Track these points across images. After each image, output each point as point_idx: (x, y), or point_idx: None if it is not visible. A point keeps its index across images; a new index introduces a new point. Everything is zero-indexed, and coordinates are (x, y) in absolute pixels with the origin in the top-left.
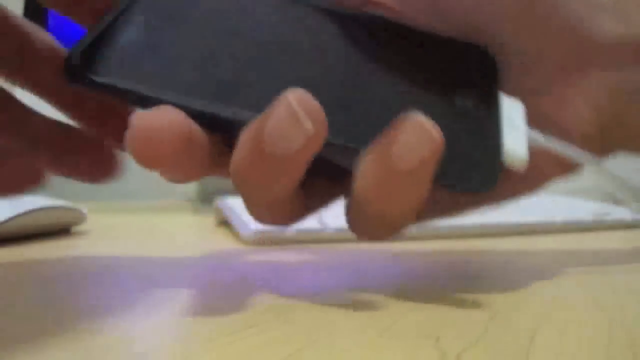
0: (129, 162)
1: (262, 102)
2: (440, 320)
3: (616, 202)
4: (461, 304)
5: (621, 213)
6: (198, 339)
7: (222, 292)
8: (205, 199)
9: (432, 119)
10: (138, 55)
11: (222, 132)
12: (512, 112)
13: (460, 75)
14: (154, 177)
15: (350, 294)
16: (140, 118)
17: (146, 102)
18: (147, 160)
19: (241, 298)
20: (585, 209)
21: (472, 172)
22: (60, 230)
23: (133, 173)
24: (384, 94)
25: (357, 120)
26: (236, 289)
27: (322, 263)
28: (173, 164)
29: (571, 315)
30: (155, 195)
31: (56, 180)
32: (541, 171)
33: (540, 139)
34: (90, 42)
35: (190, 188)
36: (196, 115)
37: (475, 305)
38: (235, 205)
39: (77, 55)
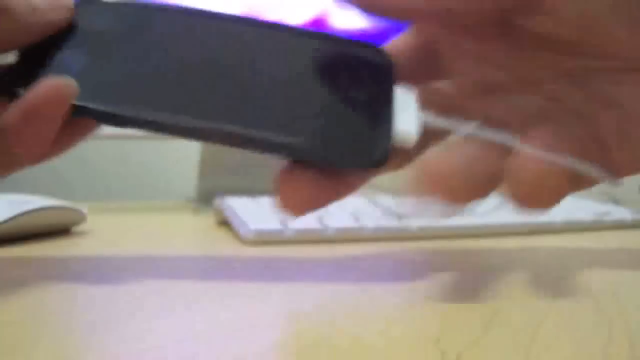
0: (129, 163)
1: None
2: (441, 320)
3: (616, 202)
4: (461, 304)
5: (621, 213)
6: (197, 339)
7: (221, 292)
8: (205, 199)
9: (321, 107)
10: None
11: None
12: (405, 99)
13: (354, 71)
14: (154, 177)
15: (351, 294)
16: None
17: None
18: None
19: (241, 298)
20: (585, 209)
21: (360, 151)
22: (60, 230)
23: (133, 173)
24: (279, 89)
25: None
26: (236, 288)
27: (322, 263)
28: None
29: (571, 315)
30: (155, 195)
31: (56, 180)
32: (558, 186)
33: (562, 160)
34: (20, 61)
35: (190, 188)
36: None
37: (475, 305)
38: (235, 205)
39: (8, 72)
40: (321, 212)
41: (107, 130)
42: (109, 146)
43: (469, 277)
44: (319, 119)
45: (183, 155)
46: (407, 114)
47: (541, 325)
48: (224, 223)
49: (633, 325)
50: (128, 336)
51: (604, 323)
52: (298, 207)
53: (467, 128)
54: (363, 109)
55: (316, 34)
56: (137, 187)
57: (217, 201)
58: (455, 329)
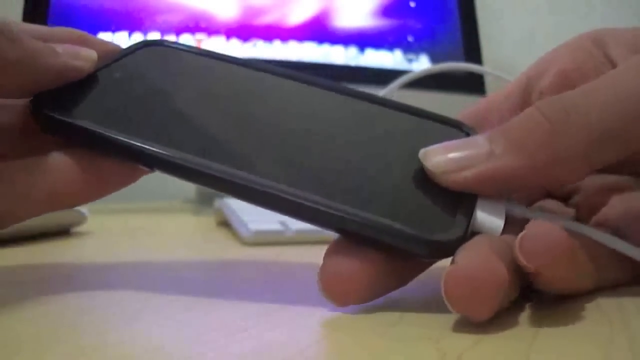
0: None
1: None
2: (441, 321)
3: None
4: None
5: None
6: (198, 340)
7: (221, 293)
8: (205, 200)
9: (408, 184)
10: (101, 103)
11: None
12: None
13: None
14: (154, 179)
15: None
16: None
17: (107, 147)
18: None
19: (241, 299)
20: None
21: (434, 237)
22: (60, 230)
23: None
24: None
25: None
26: (236, 289)
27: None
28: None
29: (571, 315)
30: (155, 196)
31: None
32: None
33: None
34: (56, 89)
35: (190, 189)
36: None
37: None
38: (235, 205)
39: (41, 97)
40: None
41: None
42: None
43: None
44: (394, 195)
45: None
46: (492, 201)
47: (541, 325)
48: (224, 224)
49: (633, 326)
50: (128, 337)
51: (604, 323)
52: (348, 294)
53: (555, 219)
54: (445, 191)
55: (397, 105)
56: (137, 187)
57: (217, 202)
58: (455, 330)
